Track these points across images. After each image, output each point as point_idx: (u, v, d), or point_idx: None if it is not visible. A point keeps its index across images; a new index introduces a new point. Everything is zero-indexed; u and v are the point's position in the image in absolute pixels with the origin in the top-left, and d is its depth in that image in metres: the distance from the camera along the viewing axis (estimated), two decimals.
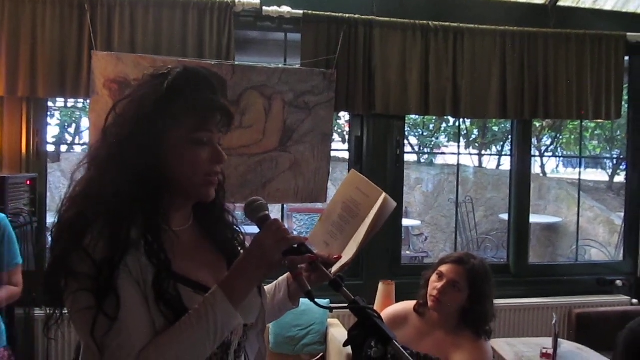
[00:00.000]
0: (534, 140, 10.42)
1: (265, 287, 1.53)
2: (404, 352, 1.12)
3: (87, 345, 1.19)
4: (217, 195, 1.37)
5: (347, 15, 3.95)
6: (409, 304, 2.63)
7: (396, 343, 1.13)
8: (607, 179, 11.35)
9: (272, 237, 1.25)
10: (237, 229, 1.48)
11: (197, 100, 1.26)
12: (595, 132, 10.98)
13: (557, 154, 12.12)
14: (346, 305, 1.24)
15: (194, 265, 1.31)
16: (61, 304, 1.21)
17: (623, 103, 4.58)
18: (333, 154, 4.18)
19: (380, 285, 3.86)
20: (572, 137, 10.89)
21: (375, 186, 1.67)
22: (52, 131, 9.84)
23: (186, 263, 1.28)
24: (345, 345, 1.21)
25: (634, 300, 4.61)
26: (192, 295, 1.23)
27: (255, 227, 1.33)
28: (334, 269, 1.46)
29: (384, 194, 1.62)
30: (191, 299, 1.22)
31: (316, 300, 1.28)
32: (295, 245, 1.27)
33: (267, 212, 1.33)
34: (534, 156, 10.80)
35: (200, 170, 1.28)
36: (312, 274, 1.43)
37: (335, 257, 1.47)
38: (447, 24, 4.13)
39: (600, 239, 8.42)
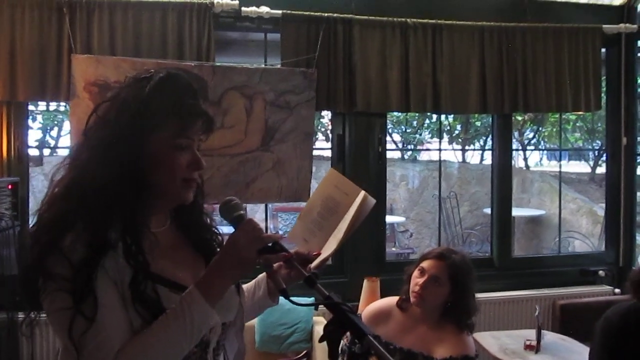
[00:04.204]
0: (517, 134, 10.49)
1: (245, 285, 1.54)
2: (379, 346, 1.14)
3: (66, 346, 1.19)
4: (195, 197, 1.38)
5: (326, 14, 3.96)
6: (392, 300, 2.65)
7: (370, 338, 1.15)
8: (589, 170, 11.45)
9: (247, 236, 1.25)
10: (215, 230, 1.49)
11: (179, 106, 1.27)
12: (577, 124, 11.07)
13: (539, 147, 12.20)
14: (319, 301, 1.25)
15: (172, 265, 1.32)
16: (38, 304, 1.21)
17: (602, 94, 4.64)
18: (316, 152, 4.21)
19: (365, 283, 3.88)
20: (554, 129, 10.97)
21: (353, 184, 1.70)
22: (34, 135, 9.77)
23: (164, 263, 1.29)
24: (320, 340, 1.23)
25: (617, 290, 4.66)
26: (169, 295, 1.24)
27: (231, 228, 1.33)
28: (313, 264, 1.47)
29: (363, 192, 1.65)
30: (169, 298, 1.23)
31: (292, 298, 1.29)
32: (270, 244, 1.28)
33: (242, 212, 1.34)
34: (517, 150, 10.87)
35: (178, 175, 1.28)
36: (291, 272, 1.44)
37: (314, 253, 1.48)
38: (425, 20, 4.15)
39: (584, 230, 8.49)
